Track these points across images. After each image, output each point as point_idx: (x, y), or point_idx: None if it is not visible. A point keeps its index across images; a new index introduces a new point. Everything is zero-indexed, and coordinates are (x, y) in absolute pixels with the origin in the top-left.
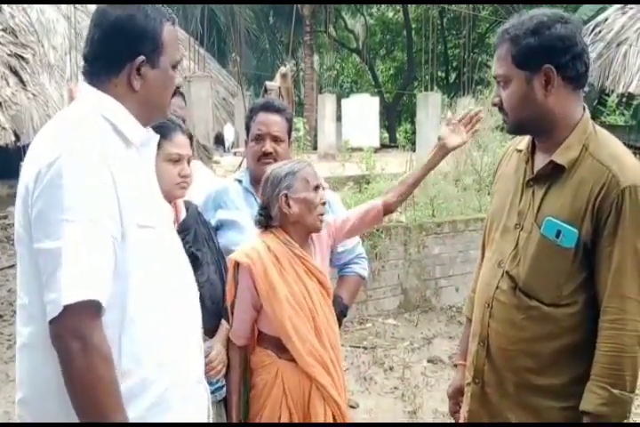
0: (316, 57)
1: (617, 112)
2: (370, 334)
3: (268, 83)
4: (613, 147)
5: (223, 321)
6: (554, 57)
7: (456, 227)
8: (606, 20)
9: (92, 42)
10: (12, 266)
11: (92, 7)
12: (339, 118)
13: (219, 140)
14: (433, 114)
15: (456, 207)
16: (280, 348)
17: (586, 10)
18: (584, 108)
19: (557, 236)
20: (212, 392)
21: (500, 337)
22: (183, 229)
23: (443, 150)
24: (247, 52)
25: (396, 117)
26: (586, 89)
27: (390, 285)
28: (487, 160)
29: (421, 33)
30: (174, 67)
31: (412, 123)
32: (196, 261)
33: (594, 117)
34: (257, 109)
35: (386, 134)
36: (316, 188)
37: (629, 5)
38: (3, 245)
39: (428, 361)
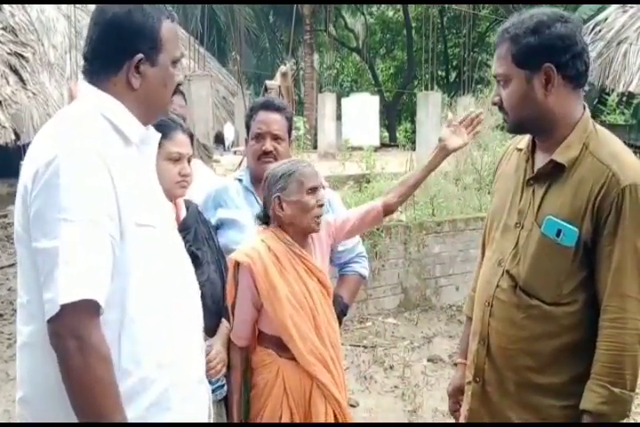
0: (316, 56)
1: (617, 111)
2: (370, 332)
3: (268, 82)
4: (613, 146)
5: (223, 320)
6: (554, 56)
7: (456, 226)
8: (606, 18)
9: (90, 41)
10: (12, 265)
11: (93, 6)
12: (339, 117)
13: (219, 139)
14: (433, 113)
15: (456, 206)
16: (281, 347)
17: (586, 9)
18: (584, 107)
19: (558, 235)
20: (212, 391)
21: (501, 336)
22: (183, 229)
23: (443, 152)
24: (247, 50)
25: (396, 116)
26: (586, 88)
27: (390, 284)
28: (487, 159)
29: (421, 32)
30: (175, 64)
31: (412, 122)
32: (196, 261)
33: (594, 116)
34: (257, 108)
35: (386, 133)
36: (312, 189)
37: (629, 4)
38: (3, 243)
39: (428, 360)
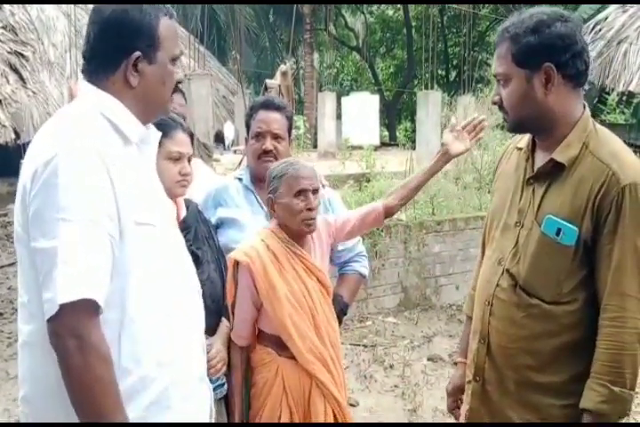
0: (316, 55)
1: (617, 110)
2: (370, 332)
3: (268, 81)
4: (613, 145)
5: (223, 319)
6: (554, 55)
7: (456, 225)
8: (606, 18)
9: (88, 40)
10: (13, 264)
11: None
12: (339, 116)
13: (219, 138)
14: (433, 112)
15: (456, 206)
16: (280, 346)
17: (586, 8)
18: (584, 107)
19: (558, 234)
20: (213, 390)
21: (501, 335)
22: (183, 228)
23: (446, 157)
24: (247, 50)
25: (396, 116)
26: (586, 87)
27: (390, 283)
28: (487, 158)
29: (421, 31)
30: (173, 61)
31: (412, 121)
32: (196, 260)
33: (594, 116)
34: (257, 107)
35: (386, 132)
36: (300, 193)
37: (629, 4)
38: (3, 242)
39: (428, 359)
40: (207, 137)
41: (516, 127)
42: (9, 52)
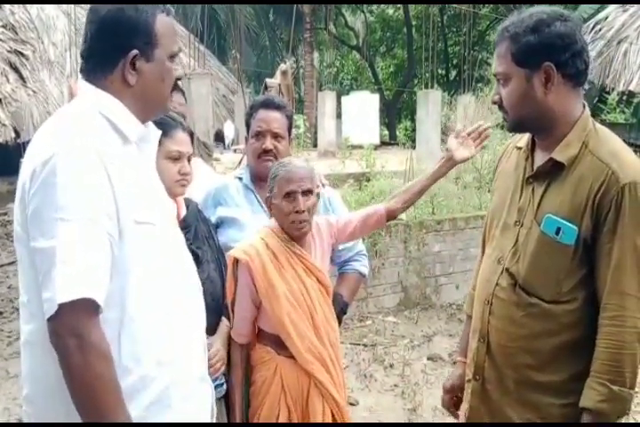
0: (316, 54)
1: (617, 110)
2: (370, 331)
3: (268, 80)
4: (613, 144)
5: (223, 319)
6: (553, 55)
7: (456, 225)
8: (607, 17)
9: (86, 39)
10: (12, 263)
11: None
12: (339, 116)
13: (219, 137)
14: (433, 111)
15: (456, 205)
16: (279, 344)
17: (586, 8)
18: (584, 106)
19: (557, 233)
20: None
21: (500, 334)
22: (183, 227)
23: (450, 162)
24: (247, 49)
25: (396, 115)
26: (586, 86)
27: (390, 282)
28: (487, 158)
29: (421, 30)
30: (172, 58)
31: (412, 120)
32: (196, 259)
33: (594, 115)
34: (257, 106)
35: (386, 132)
36: (289, 194)
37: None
38: (2, 241)
39: (428, 359)
40: (207, 136)
41: (516, 127)
42: (9, 51)
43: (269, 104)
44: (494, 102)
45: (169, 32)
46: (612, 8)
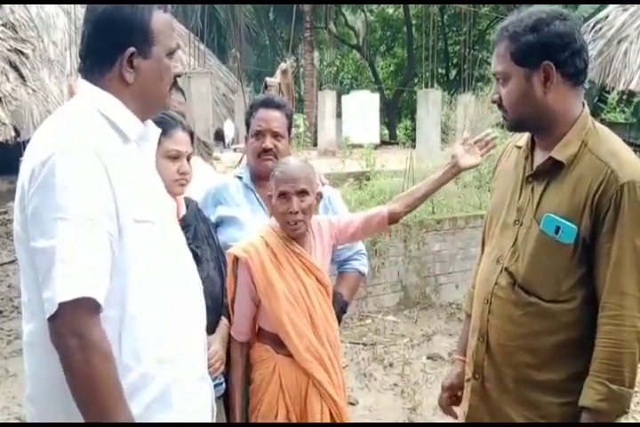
0: (316, 53)
1: (617, 109)
2: (369, 330)
3: (268, 79)
4: (613, 143)
5: (223, 318)
6: (553, 54)
7: (456, 224)
8: (607, 17)
9: (83, 38)
10: (13, 261)
11: None
12: (339, 115)
13: (219, 136)
14: (433, 111)
15: (456, 204)
16: (278, 343)
17: (586, 7)
18: (583, 105)
19: (556, 232)
20: None
21: (500, 333)
22: (183, 226)
23: (455, 169)
24: (247, 48)
25: (397, 114)
26: (586, 86)
27: (390, 281)
28: (487, 157)
29: (422, 29)
30: (170, 55)
31: (413, 119)
32: (195, 258)
33: (594, 115)
34: (257, 106)
35: (386, 131)
36: (283, 195)
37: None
38: (3, 240)
39: (428, 358)
40: (207, 135)
41: (516, 126)
42: (9, 50)
43: (269, 103)
44: (494, 101)
45: (166, 29)
46: (612, 7)
